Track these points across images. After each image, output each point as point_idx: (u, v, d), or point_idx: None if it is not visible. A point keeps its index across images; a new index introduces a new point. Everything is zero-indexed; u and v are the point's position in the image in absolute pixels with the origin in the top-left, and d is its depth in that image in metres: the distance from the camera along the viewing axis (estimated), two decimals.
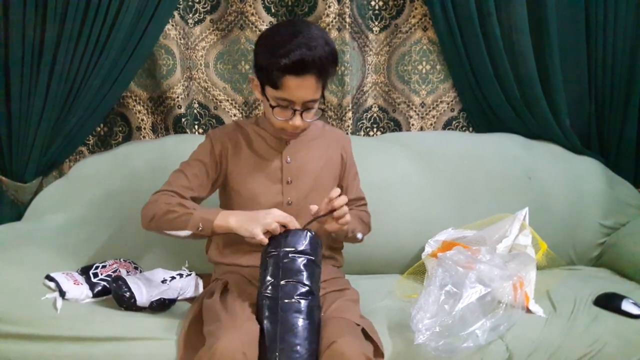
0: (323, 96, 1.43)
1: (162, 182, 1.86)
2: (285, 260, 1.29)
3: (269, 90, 1.39)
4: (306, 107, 1.39)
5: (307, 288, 1.28)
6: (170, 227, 1.40)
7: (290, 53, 1.31)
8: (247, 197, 1.52)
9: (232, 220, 1.35)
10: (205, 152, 1.52)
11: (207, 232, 1.37)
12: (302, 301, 1.26)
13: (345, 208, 1.35)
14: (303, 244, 1.31)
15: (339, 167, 1.61)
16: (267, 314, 1.26)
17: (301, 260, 1.30)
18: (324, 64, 1.34)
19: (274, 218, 1.32)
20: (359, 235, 1.49)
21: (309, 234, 1.33)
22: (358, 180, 1.68)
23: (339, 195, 1.34)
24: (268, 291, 1.28)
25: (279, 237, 1.32)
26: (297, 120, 1.40)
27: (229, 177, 1.53)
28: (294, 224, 1.34)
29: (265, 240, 1.31)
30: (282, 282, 1.27)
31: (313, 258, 1.32)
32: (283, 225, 1.33)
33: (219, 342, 1.19)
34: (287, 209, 1.49)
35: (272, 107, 1.39)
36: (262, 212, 1.34)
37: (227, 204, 1.56)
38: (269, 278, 1.29)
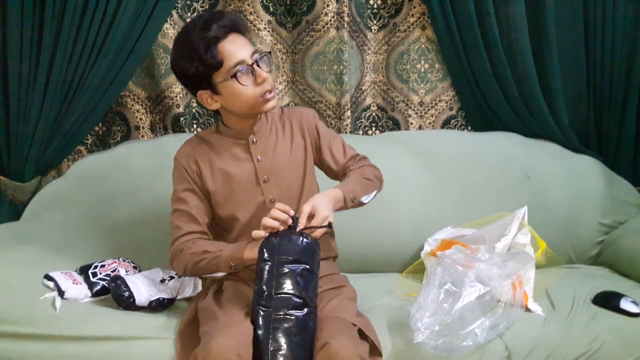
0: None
1: (161, 182, 1.87)
2: (279, 270, 1.26)
3: (219, 75, 1.38)
4: (256, 59, 1.40)
5: (301, 300, 1.26)
6: (205, 273, 1.46)
7: (206, 28, 1.36)
8: (230, 206, 1.50)
9: (256, 250, 1.33)
10: (184, 178, 1.49)
11: (240, 268, 1.38)
12: (295, 315, 1.24)
13: (320, 231, 1.33)
14: (297, 252, 1.28)
15: (310, 148, 1.56)
16: (260, 323, 1.25)
17: (295, 271, 1.27)
18: (237, 21, 1.42)
19: (273, 213, 1.32)
20: (364, 199, 1.47)
21: (304, 240, 1.30)
22: (341, 141, 1.60)
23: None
24: (262, 302, 1.26)
25: (274, 242, 1.29)
26: (261, 73, 1.39)
27: (210, 191, 1.50)
28: (287, 208, 1.33)
29: (262, 234, 1.31)
30: (276, 295, 1.25)
31: (308, 266, 1.28)
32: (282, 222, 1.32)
33: (214, 341, 1.19)
34: (271, 206, 1.48)
35: (235, 77, 1.38)
36: None
37: (217, 215, 1.53)
38: (263, 288, 1.27)
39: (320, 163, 1.59)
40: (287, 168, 1.52)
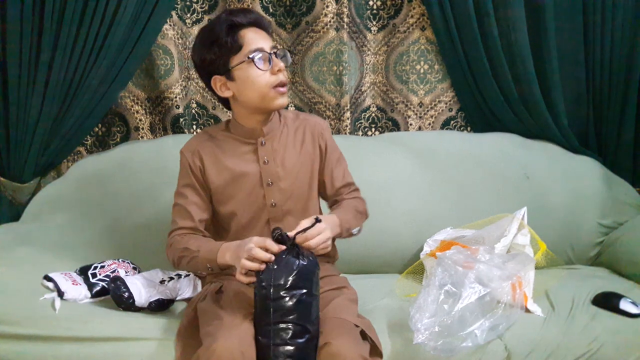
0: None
1: (161, 182, 1.88)
2: (276, 300, 1.23)
3: (236, 58, 1.40)
4: (274, 52, 1.43)
5: (300, 327, 1.23)
6: (190, 269, 1.49)
7: (231, 15, 1.41)
8: (230, 204, 1.50)
9: (227, 257, 1.34)
10: (187, 173, 1.50)
11: (217, 270, 1.39)
12: (296, 343, 1.23)
13: (317, 239, 1.30)
14: (295, 276, 1.24)
15: (317, 158, 1.55)
16: (263, 350, 1.23)
17: (292, 299, 1.23)
18: (261, 18, 1.46)
19: (249, 250, 1.26)
20: (355, 231, 1.48)
21: (301, 262, 1.25)
22: (344, 165, 1.60)
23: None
24: (261, 332, 1.25)
25: (270, 267, 1.25)
26: (278, 62, 1.43)
27: (211, 188, 1.50)
28: (271, 244, 1.27)
29: (245, 280, 1.28)
30: (274, 325, 1.23)
31: (306, 290, 1.25)
32: (267, 249, 1.28)
33: (218, 342, 1.19)
34: (272, 210, 1.49)
35: (253, 61, 1.40)
36: (243, 246, 1.29)
37: (217, 212, 1.54)
38: (261, 318, 1.25)
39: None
40: (292, 174, 1.51)
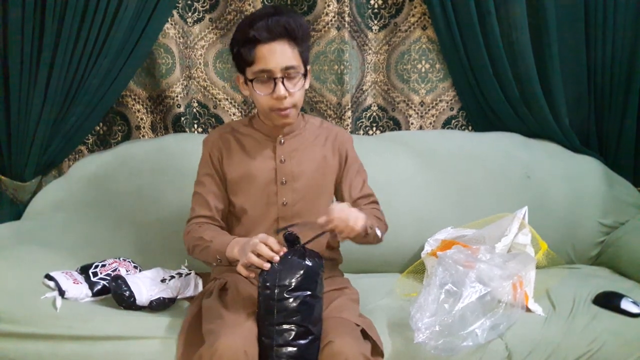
0: (306, 74, 1.43)
1: (162, 181, 1.88)
2: (280, 301, 1.23)
3: (248, 71, 1.40)
4: (287, 74, 1.38)
5: (303, 328, 1.23)
6: (202, 259, 1.46)
7: (254, 23, 1.35)
8: (243, 198, 1.52)
9: (235, 251, 1.35)
10: (207, 163, 1.53)
11: (225, 263, 1.39)
12: (299, 344, 1.23)
13: (342, 220, 1.29)
14: (297, 278, 1.24)
15: (336, 166, 1.57)
16: (266, 351, 1.24)
17: (296, 300, 1.24)
18: (292, 28, 1.36)
19: (254, 245, 1.27)
20: (379, 233, 1.44)
21: (306, 263, 1.26)
22: (364, 178, 1.59)
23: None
24: (265, 332, 1.25)
25: (275, 268, 1.25)
26: (280, 90, 1.37)
27: (227, 179, 1.52)
28: (272, 242, 1.27)
29: (245, 272, 1.28)
30: (278, 327, 1.23)
31: (310, 292, 1.25)
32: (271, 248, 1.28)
33: (220, 340, 1.19)
34: (283, 209, 1.49)
35: (252, 81, 1.39)
36: (250, 242, 1.30)
37: (231, 203, 1.55)
38: (265, 318, 1.25)
39: (334, 188, 1.59)
40: (308, 176, 1.52)
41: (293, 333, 1.23)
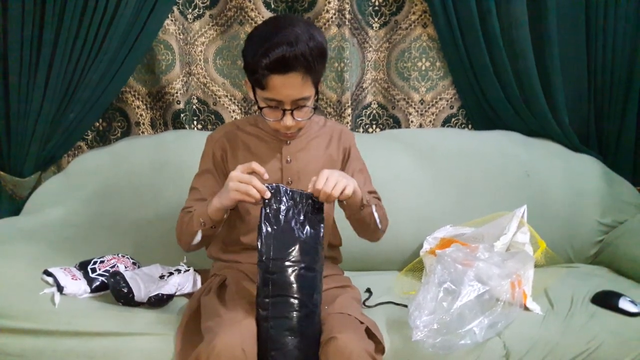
0: (317, 93, 1.40)
1: (161, 178, 1.89)
2: (273, 274, 1.24)
3: (258, 92, 1.36)
4: (297, 105, 1.36)
5: (297, 301, 1.24)
6: (189, 236, 1.43)
7: (270, 52, 1.27)
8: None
9: (215, 201, 1.34)
10: (209, 159, 1.53)
11: (209, 223, 1.37)
12: (294, 316, 1.23)
13: (329, 183, 1.28)
14: (291, 251, 1.26)
15: (339, 163, 1.57)
16: (262, 323, 1.24)
17: (291, 271, 1.25)
18: (307, 60, 1.30)
19: (238, 177, 1.28)
20: (376, 215, 1.43)
21: (300, 236, 1.27)
22: (366, 176, 1.59)
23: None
24: (261, 305, 1.25)
25: (270, 232, 1.26)
26: (288, 120, 1.36)
27: None
28: (256, 165, 1.29)
29: (250, 197, 1.27)
30: (273, 299, 1.24)
31: (304, 264, 1.26)
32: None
33: (218, 337, 1.19)
34: None
35: (261, 109, 1.37)
36: (227, 185, 1.30)
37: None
38: (261, 291, 1.25)
39: None
40: (313, 175, 1.51)
41: (287, 305, 1.24)
